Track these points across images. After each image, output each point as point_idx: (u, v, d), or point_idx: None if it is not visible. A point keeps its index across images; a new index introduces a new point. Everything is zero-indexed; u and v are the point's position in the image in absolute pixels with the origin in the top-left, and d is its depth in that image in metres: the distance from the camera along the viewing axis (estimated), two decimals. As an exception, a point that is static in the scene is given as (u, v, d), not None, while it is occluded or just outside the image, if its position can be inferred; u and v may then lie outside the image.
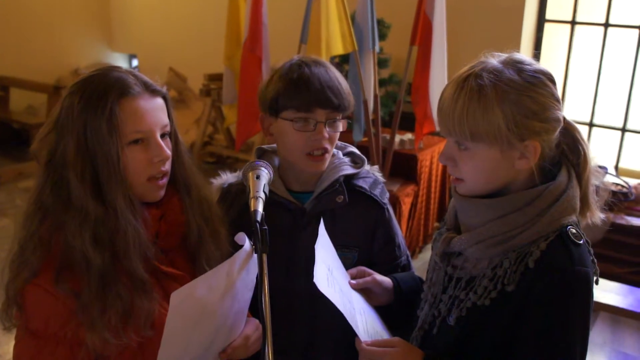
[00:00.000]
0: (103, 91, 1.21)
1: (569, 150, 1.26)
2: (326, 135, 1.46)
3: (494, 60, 1.20)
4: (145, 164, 1.25)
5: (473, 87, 1.15)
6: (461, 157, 1.21)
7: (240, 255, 1.17)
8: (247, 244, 1.17)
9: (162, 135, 1.28)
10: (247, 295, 1.26)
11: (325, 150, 1.49)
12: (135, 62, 8.21)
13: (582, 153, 1.26)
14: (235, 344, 1.32)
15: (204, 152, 6.34)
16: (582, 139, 1.27)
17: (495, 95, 1.14)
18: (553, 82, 1.21)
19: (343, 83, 1.50)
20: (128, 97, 1.23)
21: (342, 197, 1.52)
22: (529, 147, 1.17)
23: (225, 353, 1.30)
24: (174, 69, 6.96)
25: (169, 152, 1.28)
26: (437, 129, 3.81)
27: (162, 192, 1.32)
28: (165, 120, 1.30)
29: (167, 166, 1.30)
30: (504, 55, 1.21)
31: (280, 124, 1.49)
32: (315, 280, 1.19)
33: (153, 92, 1.28)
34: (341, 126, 1.51)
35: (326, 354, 1.60)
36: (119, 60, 8.15)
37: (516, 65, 1.18)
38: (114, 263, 1.19)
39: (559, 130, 1.21)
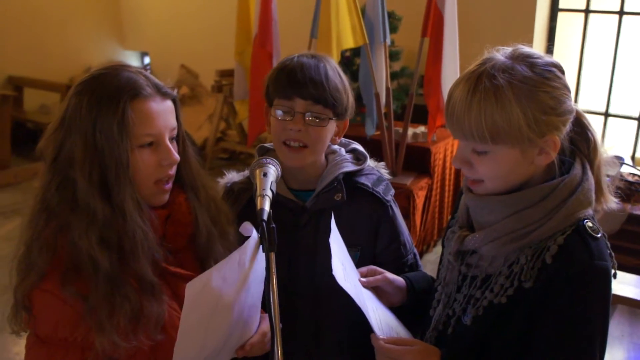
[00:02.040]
0: (115, 92, 1.19)
1: (579, 139, 1.23)
2: (301, 127, 1.42)
3: (501, 55, 1.16)
4: (153, 166, 1.24)
5: (488, 87, 1.11)
6: (479, 160, 1.18)
7: (249, 244, 1.15)
8: (254, 234, 1.16)
9: (170, 138, 1.27)
10: (259, 288, 1.24)
11: (303, 145, 1.45)
12: (147, 60, 8.24)
13: (592, 139, 1.24)
14: (253, 341, 1.31)
15: (217, 149, 6.35)
16: (591, 125, 1.25)
17: (512, 95, 1.10)
18: (563, 72, 1.18)
19: (333, 79, 1.44)
20: (140, 99, 1.21)
21: (341, 195, 1.49)
22: (548, 142, 1.15)
23: (244, 350, 1.29)
24: (186, 65, 6.98)
25: (177, 156, 1.27)
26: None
27: (167, 197, 1.30)
28: (174, 123, 1.28)
29: (174, 170, 1.29)
30: (508, 49, 1.18)
31: (271, 113, 1.48)
32: (334, 273, 1.19)
33: (164, 94, 1.26)
34: (324, 123, 1.45)
35: (330, 352, 1.58)
36: (131, 58, 8.18)
37: (527, 60, 1.15)
38: (121, 265, 1.18)
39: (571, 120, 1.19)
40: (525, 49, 1.18)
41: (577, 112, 1.22)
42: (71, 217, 1.17)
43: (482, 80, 1.13)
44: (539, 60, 1.15)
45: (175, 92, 1.31)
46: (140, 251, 1.19)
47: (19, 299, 1.19)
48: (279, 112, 1.44)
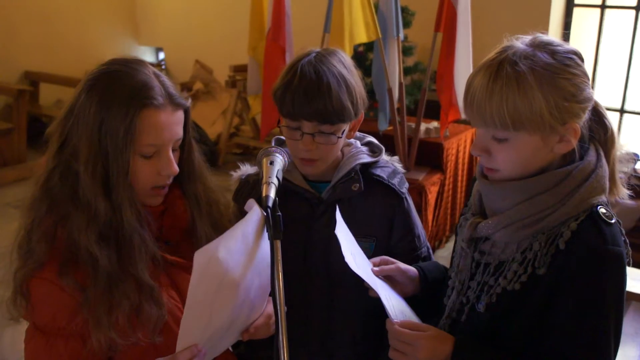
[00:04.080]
0: (126, 97, 1.17)
1: (595, 126, 1.23)
2: (312, 147, 1.43)
3: (521, 43, 1.17)
4: (152, 175, 1.24)
5: (510, 74, 1.12)
6: (498, 148, 1.18)
7: (251, 218, 1.14)
8: (256, 208, 1.15)
9: (174, 148, 1.26)
10: (268, 271, 1.25)
11: (315, 159, 1.46)
12: (161, 55, 8.27)
13: (609, 128, 1.24)
14: (258, 323, 1.31)
15: (230, 144, 6.37)
16: (607, 114, 1.25)
17: (534, 81, 1.11)
18: (582, 60, 1.19)
19: (337, 94, 1.39)
20: (150, 109, 1.19)
21: (358, 185, 1.50)
22: (569, 129, 1.15)
23: (248, 332, 1.30)
24: (200, 61, 7.00)
25: (176, 168, 1.26)
26: (463, 116, 3.76)
27: (161, 199, 1.30)
28: (180, 134, 1.27)
29: (171, 179, 1.29)
30: (527, 38, 1.18)
31: (282, 127, 1.48)
32: (346, 260, 1.19)
33: (176, 105, 1.24)
34: (333, 140, 1.43)
35: (344, 345, 1.59)
36: (146, 54, 8.22)
37: (547, 47, 1.15)
38: (120, 264, 1.18)
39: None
40: (545, 37, 1.19)
41: (595, 102, 1.22)
42: (72, 209, 1.18)
43: (503, 67, 1.13)
44: (560, 48, 1.16)
45: (188, 103, 1.29)
46: (137, 256, 1.19)
47: (18, 284, 1.19)
48: (289, 132, 1.45)
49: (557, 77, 1.12)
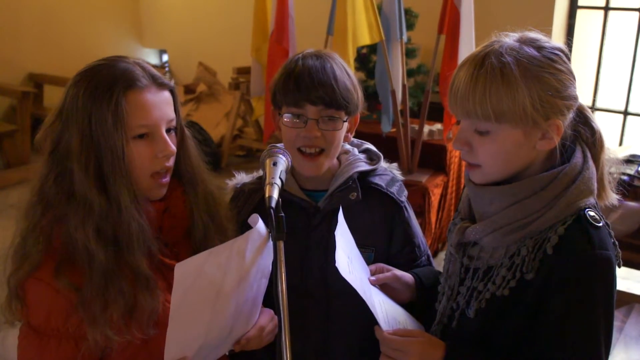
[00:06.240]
0: (109, 83, 1.18)
1: (582, 127, 1.23)
2: (317, 133, 1.40)
3: (509, 39, 1.17)
4: (149, 158, 1.23)
5: (495, 65, 1.12)
6: (480, 141, 1.17)
7: (252, 235, 1.13)
8: (260, 225, 1.14)
9: (168, 130, 1.26)
10: (262, 282, 1.24)
11: (320, 150, 1.43)
12: (165, 58, 8.29)
13: (596, 130, 1.23)
14: (249, 335, 1.30)
15: (233, 146, 6.37)
16: (594, 118, 1.24)
17: (519, 73, 1.11)
18: (569, 58, 1.19)
19: (342, 79, 1.41)
20: (134, 90, 1.19)
21: (356, 194, 1.47)
22: (552, 126, 1.14)
23: (240, 344, 1.29)
24: (204, 63, 7.01)
25: (173, 147, 1.26)
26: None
27: (164, 191, 1.29)
28: (172, 114, 1.27)
29: (171, 162, 1.28)
30: (516, 34, 1.19)
31: (282, 120, 1.45)
32: (337, 264, 1.17)
33: (160, 85, 1.25)
34: (339, 125, 1.42)
35: (341, 357, 1.56)
36: (150, 56, 8.23)
37: (534, 43, 1.16)
38: (116, 259, 1.17)
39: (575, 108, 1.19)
40: (532, 34, 1.19)
41: (580, 105, 1.22)
42: (68, 208, 1.17)
43: (489, 58, 1.13)
44: (547, 44, 1.16)
45: (172, 83, 1.30)
46: (135, 244, 1.18)
47: (12, 288, 1.19)
48: (291, 120, 1.42)
49: (542, 71, 1.12)
